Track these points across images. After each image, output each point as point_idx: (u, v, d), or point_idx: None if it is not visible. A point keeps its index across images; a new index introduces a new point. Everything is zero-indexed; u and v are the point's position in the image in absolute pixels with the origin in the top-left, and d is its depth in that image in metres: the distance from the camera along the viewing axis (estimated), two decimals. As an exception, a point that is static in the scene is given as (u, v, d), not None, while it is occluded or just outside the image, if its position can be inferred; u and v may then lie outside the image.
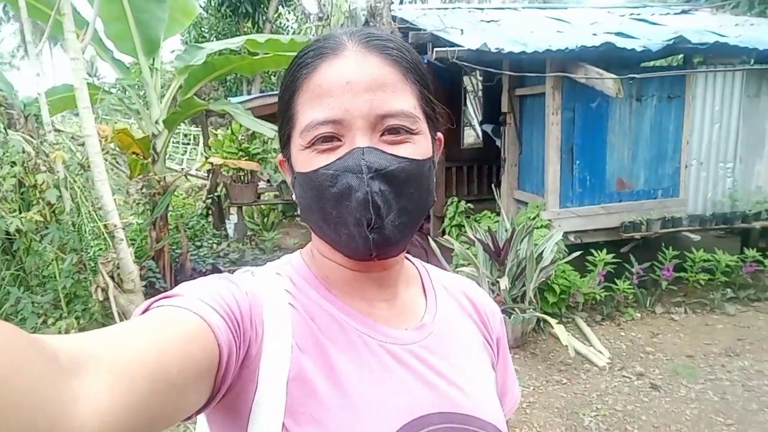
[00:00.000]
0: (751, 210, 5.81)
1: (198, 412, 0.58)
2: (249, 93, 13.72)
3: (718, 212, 5.81)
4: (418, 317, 0.77)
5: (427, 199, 0.70)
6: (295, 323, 0.67)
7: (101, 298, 3.76)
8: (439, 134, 0.75)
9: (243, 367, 0.61)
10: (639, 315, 5.25)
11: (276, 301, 0.67)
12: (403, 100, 0.66)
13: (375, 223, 0.63)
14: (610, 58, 5.15)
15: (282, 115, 0.71)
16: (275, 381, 0.62)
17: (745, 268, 5.43)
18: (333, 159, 0.64)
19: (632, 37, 5.74)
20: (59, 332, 3.46)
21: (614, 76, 4.70)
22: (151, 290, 4.69)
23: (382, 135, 0.65)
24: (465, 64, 5.34)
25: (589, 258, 5.29)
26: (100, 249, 3.73)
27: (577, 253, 5.00)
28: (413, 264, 0.84)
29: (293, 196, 0.74)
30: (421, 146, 0.68)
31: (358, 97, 0.64)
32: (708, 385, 3.99)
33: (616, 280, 5.24)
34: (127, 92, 5.34)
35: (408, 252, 0.80)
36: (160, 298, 0.59)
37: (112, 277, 3.76)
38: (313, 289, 0.72)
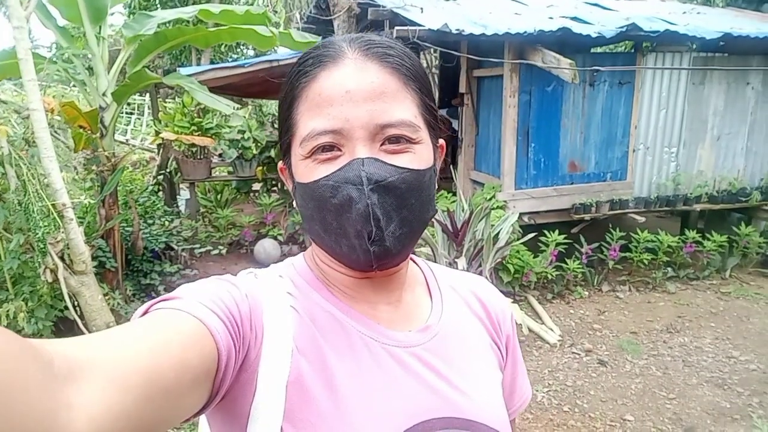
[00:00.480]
0: (692, 193, 6.12)
1: (196, 414, 0.57)
2: (199, 63, 13.24)
3: (662, 195, 6.10)
4: (423, 319, 0.76)
5: (428, 209, 0.70)
6: (296, 326, 0.67)
7: (50, 280, 3.61)
8: (441, 141, 0.75)
9: (242, 370, 0.61)
10: (587, 293, 5.48)
11: (277, 304, 0.67)
12: (404, 108, 0.66)
13: (376, 236, 0.63)
14: (565, 42, 5.25)
15: (282, 124, 0.71)
16: (274, 384, 0.62)
17: (685, 249, 5.73)
18: (333, 170, 0.64)
19: (587, 23, 5.86)
20: (7, 315, 3.31)
21: (571, 61, 4.80)
22: (101, 270, 4.53)
23: (382, 144, 0.65)
24: (425, 44, 5.32)
25: (542, 238, 5.45)
26: (48, 228, 3.56)
27: (531, 235, 5.14)
28: (418, 265, 0.84)
29: (294, 204, 0.74)
30: (421, 155, 0.67)
31: (358, 107, 0.63)
32: (651, 360, 4.23)
33: (566, 259, 5.44)
34: (71, 61, 5.04)
35: None
36: (160, 300, 0.59)
37: (62, 258, 3.60)
38: (315, 291, 0.72)
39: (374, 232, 0.63)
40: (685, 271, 5.82)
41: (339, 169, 0.63)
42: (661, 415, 3.53)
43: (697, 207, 6.15)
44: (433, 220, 4.84)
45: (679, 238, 5.79)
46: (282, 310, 0.67)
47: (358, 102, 0.63)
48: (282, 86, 0.70)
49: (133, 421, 0.45)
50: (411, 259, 0.80)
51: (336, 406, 0.64)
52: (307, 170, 0.66)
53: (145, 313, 0.57)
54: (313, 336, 0.67)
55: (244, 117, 6.92)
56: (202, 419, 0.72)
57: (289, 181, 0.74)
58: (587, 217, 5.84)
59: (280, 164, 0.76)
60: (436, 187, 0.73)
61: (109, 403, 0.43)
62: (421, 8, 5.87)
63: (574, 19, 6.02)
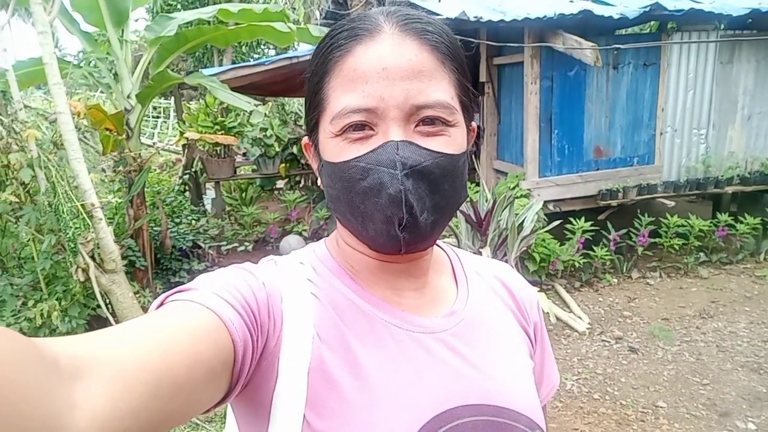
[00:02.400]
0: (723, 175, 5.95)
1: (218, 404, 0.57)
2: (220, 64, 13.38)
3: (691, 178, 5.95)
4: (449, 304, 0.74)
5: (460, 194, 0.68)
6: (316, 313, 0.66)
7: (82, 279, 3.69)
8: (474, 124, 0.72)
9: (262, 358, 0.61)
10: (616, 280, 5.38)
11: (297, 291, 0.66)
12: (441, 89, 0.63)
13: (407, 222, 0.61)
14: (586, 25, 5.15)
15: (310, 99, 0.68)
16: (295, 372, 0.61)
17: (717, 233, 5.59)
18: (365, 151, 0.62)
19: (608, 4, 5.74)
20: (41, 314, 3.41)
21: (592, 44, 4.71)
22: (131, 269, 4.63)
23: (416, 126, 0.62)
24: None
25: (568, 226, 5.38)
26: (78, 229, 3.64)
27: (557, 222, 5.07)
28: (443, 250, 0.82)
29: (319, 182, 0.71)
30: (456, 139, 0.65)
31: (395, 85, 0.61)
32: (684, 346, 4.14)
33: (593, 247, 5.35)
34: (96, 66, 5.15)
35: None
36: (176, 292, 0.59)
37: (92, 258, 3.69)
38: (337, 279, 0.70)
39: (405, 218, 0.60)
40: (718, 256, 5.67)
41: (372, 151, 0.61)
42: (694, 401, 3.46)
43: (729, 189, 5.99)
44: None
45: (711, 222, 5.64)
46: (302, 297, 0.66)
47: (394, 80, 0.60)
48: (311, 59, 0.68)
49: (142, 419, 0.44)
50: (436, 243, 0.78)
51: (361, 394, 0.62)
52: (336, 149, 0.64)
53: (161, 304, 0.57)
54: (335, 323, 0.66)
55: (266, 114, 6.98)
56: (229, 408, 0.71)
57: (314, 159, 0.71)
58: (614, 203, 5.73)
59: (305, 140, 0.73)
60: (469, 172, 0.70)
61: (115, 402, 0.42)
62: (439, -3, 5.83)
63: (596, 1, 5.90)
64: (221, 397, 0.56)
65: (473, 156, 6.45)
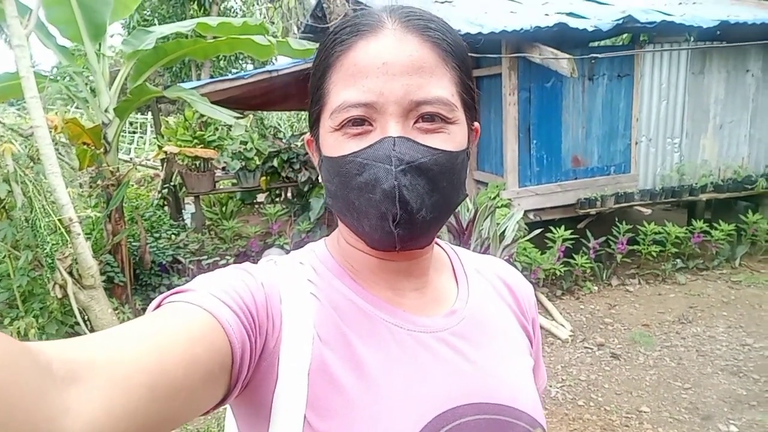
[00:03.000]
0: (697, 183, 6.09)
1: (217, 405, 0.56)
2: (198, 78, 13.32)
3: (666, 186, 6.06)
4: (450, 303, 0.74)
5: (458, 193, 0.67)
6: (317, 314, 0.65)
7: (60, 296, 3.62)
8: (476, 124, 0.72)
9: (261, 359, 0.60)
10: (596, 288, 5.45)
11: (296, 291, 0.66)
12: (441, 86, 0.63)
13: (401, 218, 0.61)
14: (562, 38, 5.26)
15: (313, 94, 0.68)
16: (296, 373, 0.61)
17: (693, 239, 5.70)
18: (363, 146, 0.62)
19: (583, 17, 5.86)
20: (18, 332, 3.32)
21: (569, 56, 4.80)
22: (110, 285, 4.54)
23: (416, 122, 0.62)
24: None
25: (548, 235, 5.44)
26: (57, 245, 3.58)
27: (537, 231, 5.13)
28: (443, 249, 0.82)
29: (320, 178, 0.71)
30: (456, 136, 0.64)
31: (394, 80, 0.60)
32: (665, 351, 4.19)
33: (574, 255, 5.41)
34: (72, 80, 5.08)
35: None
36: (173, 293, 0.58)
37: (70, 273, 3.62)
38: (337, 279, 0.70)
39: (399, 214, 0.60)
40: (695, 262, 5.78)
41: (369, 146, 0.61)
42: (677, 405, 3.50)
43: (703, 197, 6.12)
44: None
45: (687, 229, 5.76)
46: (301, 297, 0.66)
47: (394, 75, 0.60)
48: (315, 55, 0.68)
49: (139, 422, 0.43)
50: (436, 242, 0.78)
51: (363, 394, 0.62)
52: (335, 143, 0.64)
53: (159, 305, 0.57)
54: (335, 323, 0.66)
55: (246, 126, 6.96)
56: (228, 409, 0.71)
57: (315, 155, 0.71)
58: (593, 211, 5.82)
59: (307, 136, 0.73)
60: (467, 171, 0.70)
61: (109, 405, 0.42)
62: (417, 11, 5.88)
63: (570, 14, 6.01)
64: (220, 399, 0.56)
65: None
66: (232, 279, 0.62)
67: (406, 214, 0.61)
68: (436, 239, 0.77)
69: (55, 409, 0.38)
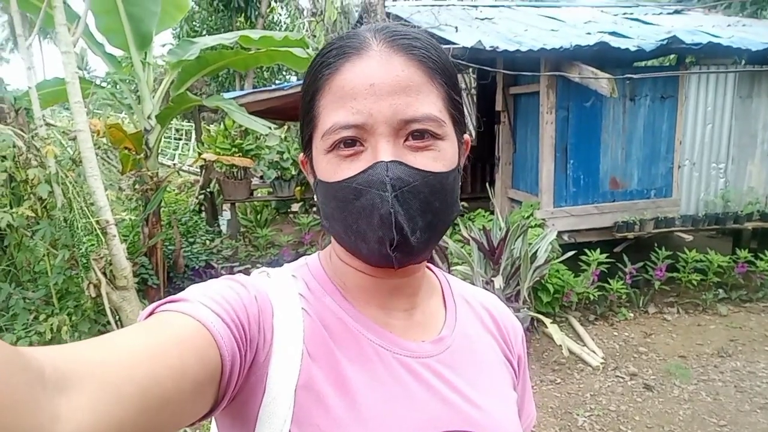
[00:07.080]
0: (742, 211, 5.85)
1: (204, 417, 0.56)
2: (242, 89, 13.63)
3: (710, 212, 5.85)
4: (437, 329, 0.74)
5: (452, 210, 0.68)
6: (307, 329, 0.65)
7: (93, 295, 3.71)
8: (466, 136, 0.72)
9: (250, 373, 0.60)
10: (632, 315, 5.27)
11: (288, 306, 0.66)
12: (429, 103, 0.63)
13: (398, 243, 0.61)
14: (603, 57, 5.16)
15: (303, 116, 0.69)
16: (283, 388, 0.61)
17: (737, 269, 5.46)
18: (356, 171, 0.62)
19: (626, 37, 5.76)
20: (51, 329, 3.41)
21: (609, 75, 4.71)
22: (143, 287, 4.65)
23: (405, 140, 0.63)
24: (460, 62, 5.32)
25: (583, 257, 5.30)
26: (93, 245, 3.68)
27: (571, 253, 5.00)
28: (434, 274, 0.82)
29: (315, 198, 0.72)
30: (446, 153, 0.65)
31: (382, 101, 0.61)
32: (701, 385, 4.01)
33: (609, 279, 5.26)
34: (118, 86, 5.27)
35: None
36: (166, 302, 0.58)
37: (104, 274, 3.71)
38: (328, 296, 0.70)
39: (396, 239, 0.61)
40: (738, 293, 5.53)
41: (362, 172, 0.62)
42: (711, 442, 3.34)
43: (749, 225, 5.87)
44: (469, 237, 4.81)
45: (730, 258, 5.53)
46: (293, 312, 0.66)
47: (382, 96, 0.61)
48: (304, 78, 0.69)
49: (127, 431, 0.43)
50: (428, 267, 0.79)
51: (347, 413, 0.62)
52: (329, 166, 0.64)
53: (151, 313, 0.57)
54: (324, 340, 0.66)
55: (284, 138, 7.06)
56: (213, 421, 0.70)
57: (310, 175, 0.72)
58: (630, 235, 5.65)
59: (300, 156, 0.74)
60: (461, 188, 0.70)
61: (99, 414, 0.41)
62: (456, 27, 5.90)
63: (613, 33, 5.92)
64: (207, 410, 0.56)
65: (488, 185, 6.44)
66: (226, 290, 0.62)
67: (402, 237, 0.61)
68: (429, 265, 0.78)
69: (45, 416, 0.38)
